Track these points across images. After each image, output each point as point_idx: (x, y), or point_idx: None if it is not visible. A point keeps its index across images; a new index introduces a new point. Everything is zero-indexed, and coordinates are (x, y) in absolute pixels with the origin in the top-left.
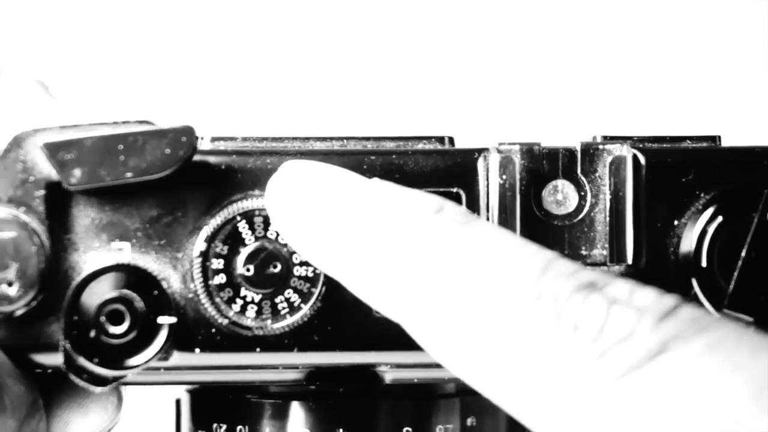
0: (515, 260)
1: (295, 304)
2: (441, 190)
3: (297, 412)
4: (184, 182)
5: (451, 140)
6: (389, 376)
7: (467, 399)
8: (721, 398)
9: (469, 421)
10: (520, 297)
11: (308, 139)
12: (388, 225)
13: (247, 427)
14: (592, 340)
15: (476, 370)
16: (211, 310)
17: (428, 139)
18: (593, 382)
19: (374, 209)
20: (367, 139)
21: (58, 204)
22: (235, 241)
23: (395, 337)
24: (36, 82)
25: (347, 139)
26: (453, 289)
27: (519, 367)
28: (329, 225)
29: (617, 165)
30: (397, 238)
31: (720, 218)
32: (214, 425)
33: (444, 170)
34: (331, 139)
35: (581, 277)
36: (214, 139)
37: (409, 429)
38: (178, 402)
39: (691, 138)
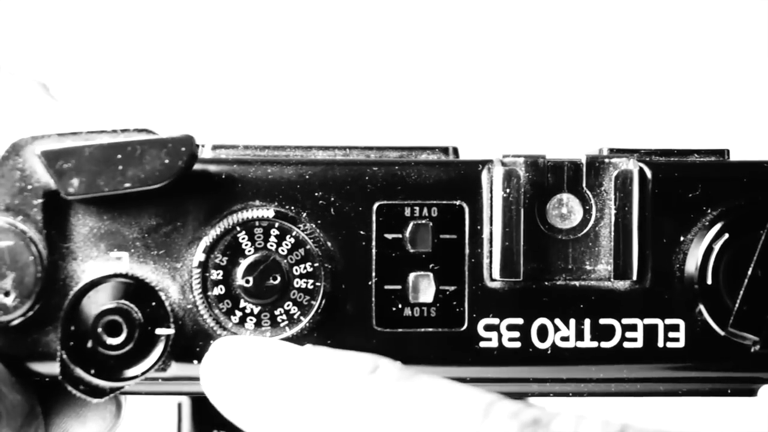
0: (457, 408)
1: (295, 317)
2: (444, 202)
3: None
4: (183, 191)
5: (456, 151)
6: None
7: None
8: None
9: None
10: None
11: (311, 148)
12: (325, 393)
13: None
14: None
15: None
16: (209, 322)
17: (432, 149)
18: None
19: (309, 379)
20: (371, 148)
21: (56, 213)
22: (234, 252)
23: (396, 352)
24: (37, 83)
25: (350, 148)
26: None
27: None
28: (268, 402)
29: (623, 179)
30: (336, 406)
31: (726, 235)
32: (214, 431)
33: (447, 182)
34: (334, 148)
35: (524, 416)
36: (215, 147)
37: None
38: (179, 406)
39: (698, 152)
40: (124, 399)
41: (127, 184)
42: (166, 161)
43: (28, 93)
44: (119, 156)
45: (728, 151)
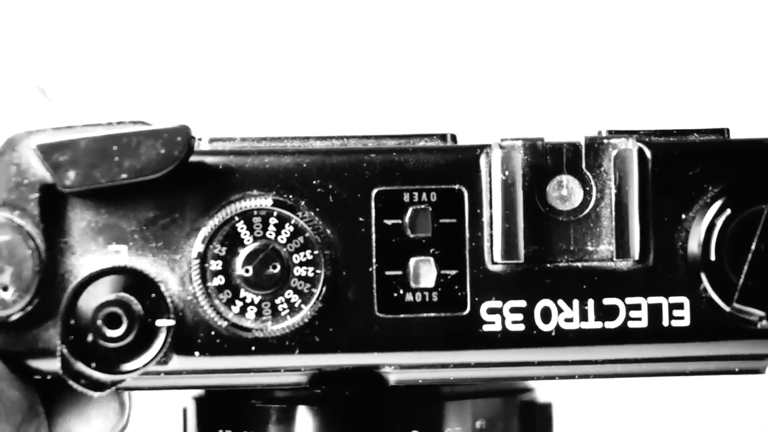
0: None
1: (296, 305)
2: (443, 187)
3: (303, 417)
4: (181, 183)
5: (454, 138)
6: (393, 377)
7: (477, 402)
8: None
9: (479, 423)
10: None
11: (308, 138)
12: None
13: None
14: None
15: None
16: (210, 313)
17: (430, 136)
18: None
19: None
20: (368, 137)
21: (53, 207)
22: (233, 242)
23: (398, 338)
24: (35, 86)
25: (348, 138)
26: None
27: None
28: None
29: (622, 159)
30: None
31: (728, 211)
32: (219, 431)
33: (445, 167)
34: (331, 138)
35: None
36: (212, 140)
37: None
38: (185, 411)
39: (698, 131)
40: (128, 398)
41: (124, 175)
42: (162, 151)
43: (25, 96)
44: (115, 147)
45: (728, 130)
